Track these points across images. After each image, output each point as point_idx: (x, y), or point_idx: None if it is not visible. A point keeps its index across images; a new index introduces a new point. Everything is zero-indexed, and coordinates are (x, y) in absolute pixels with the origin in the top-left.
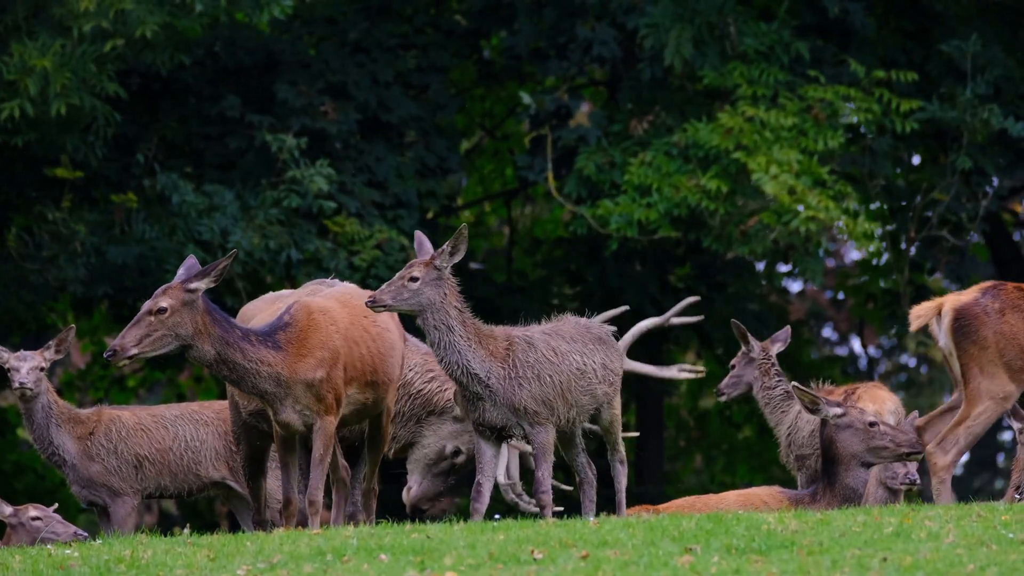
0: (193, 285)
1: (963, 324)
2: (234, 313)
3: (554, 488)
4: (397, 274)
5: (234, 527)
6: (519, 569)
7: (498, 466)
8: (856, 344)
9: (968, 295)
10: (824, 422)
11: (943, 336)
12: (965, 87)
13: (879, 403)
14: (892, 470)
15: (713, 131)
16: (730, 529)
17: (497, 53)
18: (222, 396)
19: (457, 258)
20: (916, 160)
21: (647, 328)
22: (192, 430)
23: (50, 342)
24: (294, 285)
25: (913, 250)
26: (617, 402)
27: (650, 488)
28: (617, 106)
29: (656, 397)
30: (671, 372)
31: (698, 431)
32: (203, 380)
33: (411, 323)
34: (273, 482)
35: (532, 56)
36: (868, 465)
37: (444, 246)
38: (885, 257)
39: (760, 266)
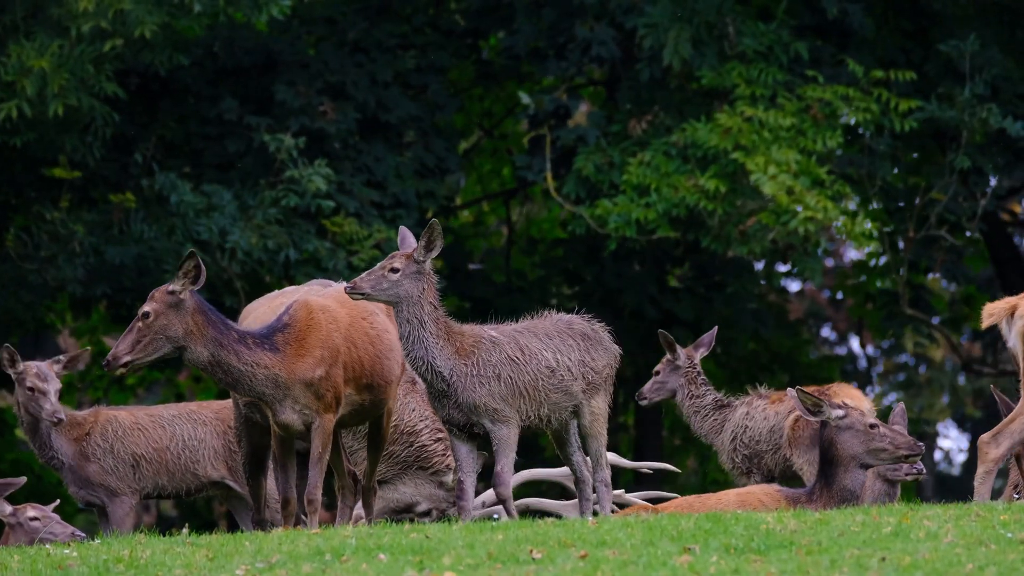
0: (172, 288)
1: None
2: (235, 313)
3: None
4: (378, 264)
5: (232, 527)
6: (518, 569)
7: (476, 463)
8: (855, 344)
9: None
10: (824, 424)
11: (1013, 338)
12: (963, 87)
13: (857, 402)
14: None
15: (712, 131)
16: (729, 529)
17: (496, 53)
18: (221, 396)
19: (434, 253)
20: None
21: (542, 477)
22: (190, 429)
23: (61, 356)
24: (293, 284)
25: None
26: (599, 401)
27: (647, 488)
28: (616, 106)
29: None
30: (640, 465)
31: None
32: (202, 380)
33: None
34: (273, 481)
35: (531, 56)
36: (867, 467)
37: (419, 241)
38: (884, 257)
39: (759, 266)
